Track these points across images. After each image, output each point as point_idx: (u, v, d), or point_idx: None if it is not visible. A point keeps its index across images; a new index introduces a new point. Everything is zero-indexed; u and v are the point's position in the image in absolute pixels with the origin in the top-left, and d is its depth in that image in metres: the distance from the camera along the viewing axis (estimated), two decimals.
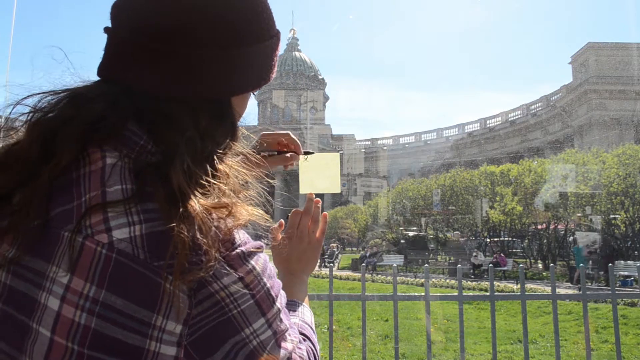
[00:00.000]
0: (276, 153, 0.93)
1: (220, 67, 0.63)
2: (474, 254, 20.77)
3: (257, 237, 0.63)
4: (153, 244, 0.53)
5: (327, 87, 73.16)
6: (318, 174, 1.02)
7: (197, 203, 0.56)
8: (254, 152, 0.69)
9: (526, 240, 24.18)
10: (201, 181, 0.59)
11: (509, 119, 54.62)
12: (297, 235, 0.89)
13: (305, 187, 1.01)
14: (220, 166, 0.63)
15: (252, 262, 0.59)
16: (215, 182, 0.60)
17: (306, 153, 0.99)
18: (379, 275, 19.07)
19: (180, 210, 0.55)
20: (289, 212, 0.93)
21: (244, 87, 0.68)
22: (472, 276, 18.90)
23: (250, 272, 0.58)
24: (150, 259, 0.53)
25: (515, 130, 52.34)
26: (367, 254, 23.24)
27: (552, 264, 2.99)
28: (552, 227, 22.12)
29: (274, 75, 0.71)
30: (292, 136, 0.95)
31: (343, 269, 22.62)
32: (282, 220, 0.91)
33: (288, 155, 0.94)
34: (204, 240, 0.55)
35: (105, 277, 0.52)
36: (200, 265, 0.54)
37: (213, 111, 0.64)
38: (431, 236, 27.49)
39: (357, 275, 18.46)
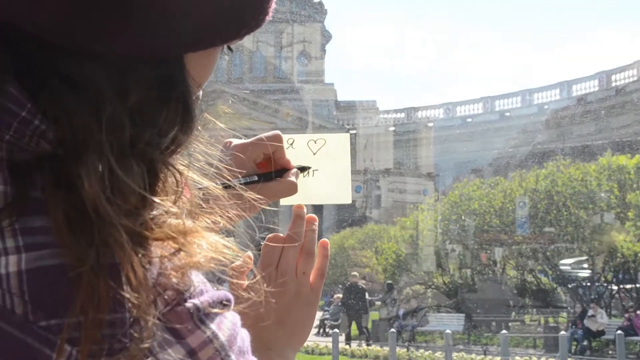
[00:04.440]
0: (257, 178, 0.99)
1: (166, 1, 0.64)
2: (590, 312, 20.88)
3: (219, 283, 0.66)
4: (40, 289, 0.55)
5: (328, 19, 73.74)
6: (314, 172, 1.10)
7: (123, 229, 0.58)
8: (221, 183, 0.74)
9: None
10: (131, 192, 0.60)
11: None
12: (277, 280, 0.97)
13: None
14: (164, 169, 0.65)
15: (213, 326, 0.62)
16: (157, 193, 0.63)
17: (302, 169, 1.08)
18: (421, 350, 19.11)
19: (94, 237, 0.56)
20: (262, 238, 1.00)
21: (209, 38, 0.69)
22: (588, 351, 18.91)
23: (208, 344, 0.61)
24: (34, 316, 0.54)
25: None
26: (401, 313, 23.30)
27: None
28: None
29: (269, 17, 0.73)
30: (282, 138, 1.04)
31: (356, 338, 22.84)
32: (251, 253, 0.96)
33: (293, 179, 1.03)
34: (135, 296, 0.56)
35: None
36: (124, 339, 0.56)
37: (152, 77, 0.66)
38: (512, 279, 27.55)
39: (383, 350, 18.24)
